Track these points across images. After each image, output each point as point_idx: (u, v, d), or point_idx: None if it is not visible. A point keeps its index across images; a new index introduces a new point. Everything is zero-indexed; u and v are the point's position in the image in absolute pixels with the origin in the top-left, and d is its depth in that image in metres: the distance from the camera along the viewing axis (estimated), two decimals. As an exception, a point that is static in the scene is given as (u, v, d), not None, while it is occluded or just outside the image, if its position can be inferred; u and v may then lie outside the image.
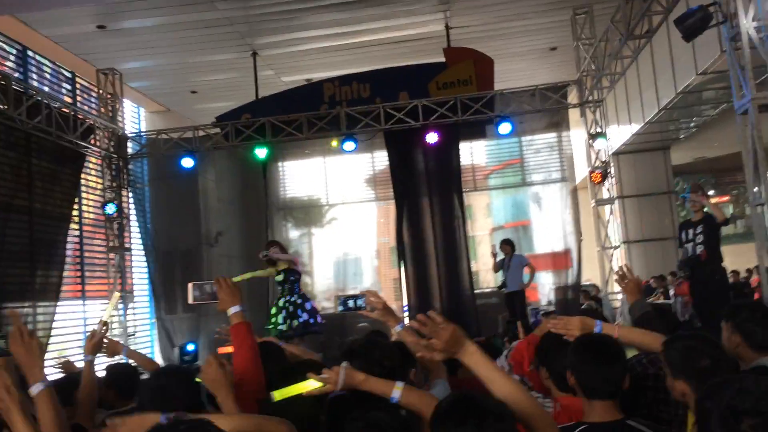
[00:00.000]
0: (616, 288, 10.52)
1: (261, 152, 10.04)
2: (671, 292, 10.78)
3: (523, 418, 1.77)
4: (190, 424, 1.42)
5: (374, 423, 1.84)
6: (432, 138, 9.81)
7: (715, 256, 6.52)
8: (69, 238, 9.44)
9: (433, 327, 1.94)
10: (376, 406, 1.96)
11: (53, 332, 8.65)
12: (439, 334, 1.92)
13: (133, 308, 10.76)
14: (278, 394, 2.15)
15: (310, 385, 2.10)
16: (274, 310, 7.80)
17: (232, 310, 2.58)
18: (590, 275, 12.39)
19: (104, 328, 3.23)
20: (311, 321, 7.67)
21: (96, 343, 3.16)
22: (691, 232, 6.64)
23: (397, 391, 2.02)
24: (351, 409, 1.99)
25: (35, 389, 2.01)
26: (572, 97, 10.50)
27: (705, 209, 6.69)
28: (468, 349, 1.93)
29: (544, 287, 15.01)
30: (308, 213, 14.90)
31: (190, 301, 2.85)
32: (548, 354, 2.66)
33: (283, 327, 7.60)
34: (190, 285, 2.85)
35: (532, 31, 10.42)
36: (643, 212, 12.70)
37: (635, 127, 10.96)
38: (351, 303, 3.00)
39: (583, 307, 9.78)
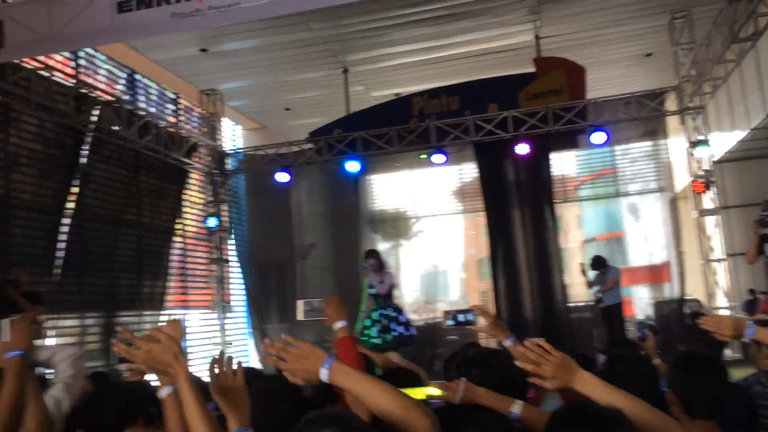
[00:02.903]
0: (721, 303, 10.00)
1: (352, 166, 10.24)
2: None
3: None
4: (334, 413, 1.44)
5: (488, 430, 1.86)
6: (522, 149, 9.70)
7: None
8: (173, 251, 9.97)
9: (540, 354, 1.91)
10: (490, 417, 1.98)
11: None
12: (548, 363, 1.89)
13: (232, 318, 11.18)
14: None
15: (431, 392, 2.15)
16: (368, 322, 7.87)
17: (338, 324, 2.72)
18: (692, 290, 11.82)
19: None
20: (406, 333, 7.73)
21: None
22: None
23: (517, 407, 2.03)
24: (463, 418, 2.02)
25: (164, 392, 2.13)
26: (670, 104, 10.12)
27: None
28: (582, 377, 1.87)
29: (641, 301, 14.47)
30: (396, 226, 15.04)
31: (300, 317, 2.97)
32: None
33: (378, 341, 7.67)
34: (299, 302, 2.98)
35: (626, 38, 10.14)
36: (749, 223, 11.99)
37: (739, 134, 10.40)
38: (461, 317, 3.03)
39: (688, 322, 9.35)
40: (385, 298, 7.87)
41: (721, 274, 9.82)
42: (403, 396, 1.59)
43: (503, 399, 2.07)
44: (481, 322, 2.92)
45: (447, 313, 3.24)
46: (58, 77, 7.71)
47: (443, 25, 9.17)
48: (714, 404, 2.07)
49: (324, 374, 1.66)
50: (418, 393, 2.18)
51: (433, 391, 2.16)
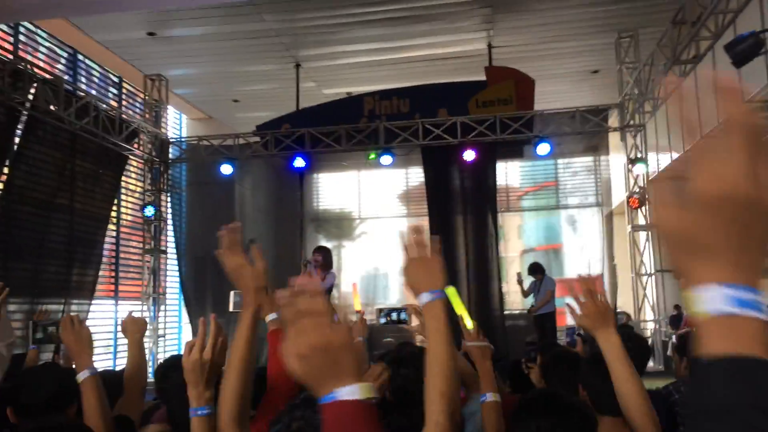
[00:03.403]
0: (649, 316, 10.34)
1: (299, 162, 10.13)
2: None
3: (634, 422, 1.80)
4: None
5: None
6: (469, 156, 9.80)
7: None
8: (106, 239, 9.63)
9: (591, 292, 1.97)
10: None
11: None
12: (592, 303, 1.95)
13: (164, 310, 10.88)
14: (451, 291, 2.24)
15: (466, 321, 2.32)
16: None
17: (271, 317, 2.63)
18: (621, 302, 12.19)
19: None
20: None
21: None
22: None
23: (490, 395, 2.12)
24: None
25: (81, 376, 2.07)
26: (612, 121, 10.42)
27: None
28: (609, 333, 1.93)
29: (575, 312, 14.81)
30: (340, 226, 14.97)
31: (232, 309, 2.88)
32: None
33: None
34: (233, 293, 2.89)
35: (574, 53, 10.39)
36: (679, 241, 12.45)
37: (675, 155, 10.80)
38: (394, 315, 3.01)
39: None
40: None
41: (650, 289, 10.16)
42: (457, 371, 1.57)
43: (491, 381, 2.23)
44: (414, 321, 2.92)
45: (381, 311, 3.22)
46: (-6, 50, 7.34)
47: (399, 27, 9.19)
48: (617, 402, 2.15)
49: (424, 298, 1.57)
50: (459, 308, 2.25)
51: (468, 322, 2.34)
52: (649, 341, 9.88)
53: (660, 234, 0.71)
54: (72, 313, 8.55)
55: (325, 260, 7.88)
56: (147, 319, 10.08)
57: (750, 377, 0.62)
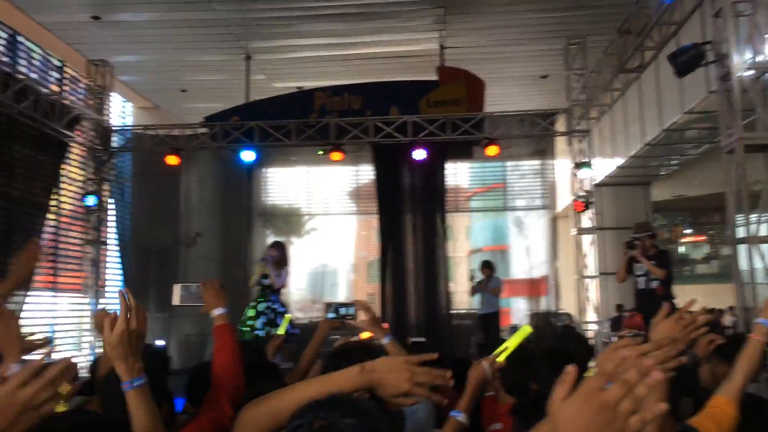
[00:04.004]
0: (591, 317, 10.59)
1: (247, 155, 9.97)
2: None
3: None
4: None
5: None
6: (419, 155, 9.84)
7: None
8: (45, 229, 9.28)
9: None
10: None
11: (20, 322, 8.45)
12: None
13: (105, 304, 10.57)
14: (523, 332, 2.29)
15: (503, 355, 2.36)
16: (251, 313, 7.67)
17: (217, 311, 2.58)
18: (565, 304, 12.47)
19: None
20: (289, 330, 7.59)
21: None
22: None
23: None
24: None
25: (10, 370, 1.97)
26: (560, 126, 10.63)
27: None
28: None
29: (519, 312, 15.08)
30: (288, 221, 14.84)
31: (176, 302, 2.80)
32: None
33: (261, 332, 7.51)
34: (176, 286, 2.81)
35: (524, 58, 10.56)
36: (621, 245, 12.81)
37: (618, 161, 11.09)
38: (342, 310, 2.97)
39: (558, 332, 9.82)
40: (275, 293, 7.72)
41: (593, 291, 10.41)
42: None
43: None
44: (361, 317, 2.91)
45: (329, 305, 3.19)
46: (-75, 27, 6.97)
47: (352, 23, 9.16)
48: None
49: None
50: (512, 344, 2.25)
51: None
52: (591, 342, 10.13)
53: None
54: (6, 305, 8.25)
55: (281, 256, 7.81)
56: (87, 312, 9.84)
57: None
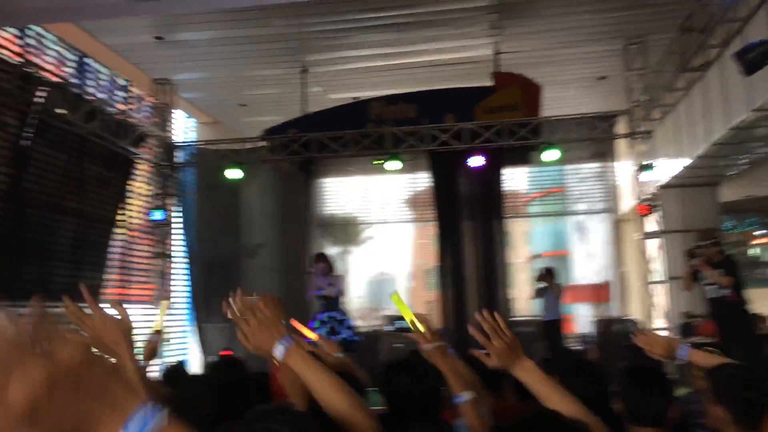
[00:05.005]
0: (659, 324, 10.27)
1: (305, 167, 10.13)
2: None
3: None
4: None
5: None
6: (476, 161, 9.78)
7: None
8: (114, 242, 9.65)
9: (495, 328, 1.92)
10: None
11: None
12: (499, 339, 1.90)
13: (172, 315, 10.89)
14: (396, 298, 2.22)
15: (417, 324, 2.26)
16: (317, 324, 7.80)
17: None
18: (631, 310, 12.13)
19: (158, 336, 3.30)
20: (350, 337, 7.68)
21: (151, 350, 3.22)
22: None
23: (467, 395, 2.03)
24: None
25: None
26: (620, 127, 10.38)
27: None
28: (525, 364, 1.90)
29: (582, 319, 14.75)
30: (346, 230, 14.97)
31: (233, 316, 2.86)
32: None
33: (321, 342, 7.59)
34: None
35: (581, 60, 10.36)
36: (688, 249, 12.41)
37: (684, 161, 10.75)
38: (401, 323, 2.99)
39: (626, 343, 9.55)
40: (334, 301, 7.82)
41: (660, 296, 10.09)
42: (352, 394, 1.56)
43: (460, 380, 2.08)
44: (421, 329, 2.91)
45: (389, 318, 3.18)
46: (3, 54, 7.38)
47: (405, 32, 9.18)
48: (657, 413, 2.13)
49: (279, 351, 1.61)
50: (408, 314, 2.20)
51: (419, 326, 2.24)
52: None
53: None
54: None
55: (326, 266, 7.93)
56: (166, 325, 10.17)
57: None
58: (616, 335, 10.57)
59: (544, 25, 9.16)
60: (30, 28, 8.39)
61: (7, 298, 7.57)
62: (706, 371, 2.35)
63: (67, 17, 6.32)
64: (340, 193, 14.30)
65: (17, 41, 8.28)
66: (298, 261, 12.25)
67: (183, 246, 11.09)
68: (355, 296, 14.91)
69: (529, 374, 1.88)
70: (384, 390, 2.30)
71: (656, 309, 10.19)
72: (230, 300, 1.72)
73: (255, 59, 9.97)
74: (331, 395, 1.54)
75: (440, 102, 10.08)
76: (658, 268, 10.20)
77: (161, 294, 10.51)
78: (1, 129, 7.48)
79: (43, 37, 8.90)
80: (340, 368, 3.50)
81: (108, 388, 0.71)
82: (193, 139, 12.26)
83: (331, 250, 14.33)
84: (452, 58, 10.11)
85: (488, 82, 9.91)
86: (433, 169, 10.65)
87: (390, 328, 3.01)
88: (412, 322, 2.32)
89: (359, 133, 10.05)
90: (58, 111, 8.09)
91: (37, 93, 7.83)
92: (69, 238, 8.58)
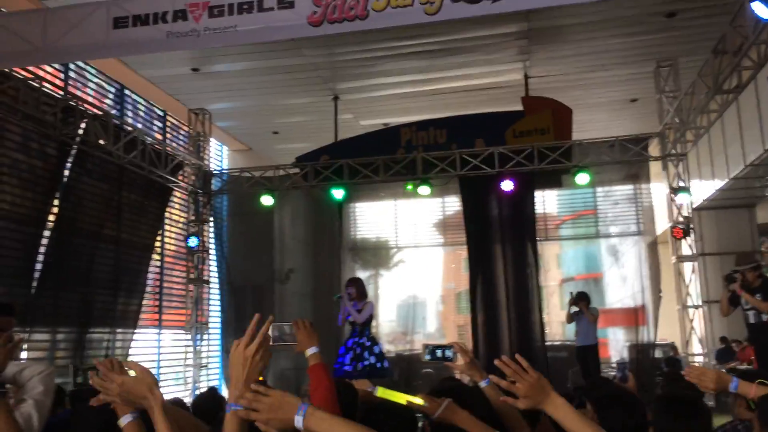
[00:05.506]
0: (696, 349, 10.07)
1: (338, 193, 10.25)
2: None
3: None
4: None
5: None
6: (507, 186, 9.77)
7: None
8: (150, 269, 9.84)
9: (517, 370, 1.92)
10: None
11: (129, 358, 8.97)
12: (523, 380, 1.90)
13: (208, 340, 11.02)
14: (381, 392, 2.21)
15: (414, 400, 2.18)
16: (341, 350, 7.84)
17: (310, 351, 2.64)
18: (666, 334, 11.90)
19: None
20: (378, 365, 7.65)
21: None
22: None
23: None
24: None
25: (124, 420, 2.04)
26: (653, 149, 10.31)
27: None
28: (554, 401, 1.90)
29: (617, 343, 14.50)
30: (377, 255, 14.98)
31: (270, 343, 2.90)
32: None
33: (349, 368, 7.61)
34: (271, 326, 2.91)
35: (612, 83, 10.36)
36: (725, 271, 12.16)
37: (719, 183, 10.61)
38: (439, 353, 2.99)
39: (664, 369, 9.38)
40: (362, 327, 7.83)
41: (697, 321, 9.91)
42: None
43: (484, 428, 2.06)
44: (459, 359, 2.90)
45: (426, 346, 3.18)
46: (47, 88, 7.65)
47: (434, 59, 9.30)
48: None
49: (298, 422, 1.62)
50: (401, 398, 2.18)
51: (417, 400, 2.17)
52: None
53: None
54: (120, 343, 8.78)
55: (359, 291, 7.95)
56: (190, 349, 10.28)
57: None
58: (652, 360, 10.39)
59: (573, 50, 9.20)
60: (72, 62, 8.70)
61: (49, 323, 7.78)
62: (754, 400, 2.32)
63: (109, 53, 6.56)
64: (371, 217, 14.37)
65: (60, 75, 8.61)
66: (329, 286, 12.31)
67: (217, 271, 11.26)
68: (386, 320, 14.88)
69: (560, 411, 1.87)
70: None
71: (694, 333, 10.00)
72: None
73: (287, 88, 10.18)
74: None
75: (470, 127, 10.13)
76: (693, 291, 10.03)
77: (195, 318, 10.65)
78: (43, 160, 7.74)
79: (84, 70, 9.23)
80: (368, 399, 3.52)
81: None
82: (228, 167, 12.49)
83: (362, 274, 14.36)
84: (482, 83, 10.19)
85: (518, 107, 9.95)
86: (463, 193, 10.67)
87: (428, 357, 3.01)
88: (409, 402, 2.31)
89: (390, 158, 10.14)
90: (99, 142, 8.34)
91: (79, 125, 8.09)
92: (108, 265, 8.79)
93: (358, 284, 8.07)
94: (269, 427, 1.65)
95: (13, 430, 2.29)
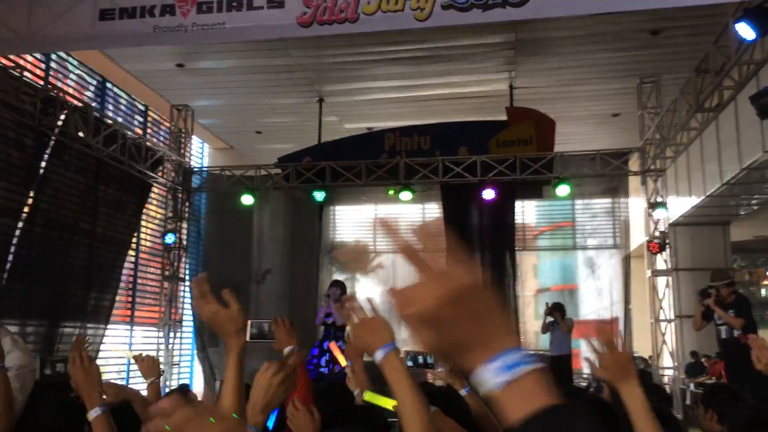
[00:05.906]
0: (667, 362, 10.19)
1: (319, 195, 10.21)
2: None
3: None
4: None
5: None
6: (488, 195, 9.82)
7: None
8: (125, 265, 9.70)
9: (611, 342, 1.91)
10: None
11: (100, 354, 8.84)
12: (614, 353, 1.89)
13: (180, 338, 10.89)
14: (369, 396, 2.20)
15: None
16: (317, 351, 7.81)
17: (288, 349, 2.64)
18: (638, 347, 12.03)
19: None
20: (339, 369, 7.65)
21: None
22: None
23: None
24: None
25: (93, 414, 2.07)
26: (632, 164, 10.43)
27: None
28: (633, 386, 1.88)
29: (589, 354, 14.63)
30: (355, 258, 14.96)
31: (246, 338, 2.88)
32: None
33: (325, 370, 7.61)
34: (247, 322, 2.90)
35: (595, 97, 10.47)
36: (698, 287, 12.33)
37: (695, 200, 10.77)
38: (420, 359, 2.99)
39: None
40: (337, 330, 7.82)
41: (669, 335, 10.03)
42: (427, 417, 1.57)
43: None
44: (441, 367, 2.91)
45: (407, 353, 3.18)
46: (27, 78, 7.51)
47: (421, 65, 9.31)
48: None
49: (378, 356, 1.64)
50: (387, 403, 2.18)
51: None
52: (668, 389, 9.73)
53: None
54: (86, 337, 8.62)
55: (343, 293, 7.96)
56: (162, 346, 10.15)
57: (553, 425, 0.68)
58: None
59: (559, 62, 9.28)
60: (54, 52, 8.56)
61: (17, 316, 7.61)
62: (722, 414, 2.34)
63: (94, 45, 6.47)
64: (351, 220, 14.35)
65: (41, 65, 8.46)
66: (306, 288, 12.26)
67: (190, 269, 11.13)
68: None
69: (633, 398, 1.86)
70: None
71: (664, 347, 10.12)
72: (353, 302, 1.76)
73: (272, 88, 10.12)
74: (408, 413, 1.56)
75: (454, 135, 10.17)
76: (666, 305, 10.16)
77: (168, 317, 10.51)
78: (20, 150, 7.59)
79: (66, 61, 9.08)
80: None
81: (492, 320, 0.77)
82: (209, 165, 12.38)
83: (339, 278, 14.30)
84: (467, 92, 10.23)
85: (502, 117, 10.01)
86: (445, 200, 10.70)
87: (410, 363, 3.00)
88: (395, 407, 2.31)
89: (373, 162, 10.13)
90: (78, 134, 8.20)
91: (58, 116, 7.95)
92: (81, 259, 8.64)
93: (342, 286, 8.09)
94: (357, 340, 1.73)
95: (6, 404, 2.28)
